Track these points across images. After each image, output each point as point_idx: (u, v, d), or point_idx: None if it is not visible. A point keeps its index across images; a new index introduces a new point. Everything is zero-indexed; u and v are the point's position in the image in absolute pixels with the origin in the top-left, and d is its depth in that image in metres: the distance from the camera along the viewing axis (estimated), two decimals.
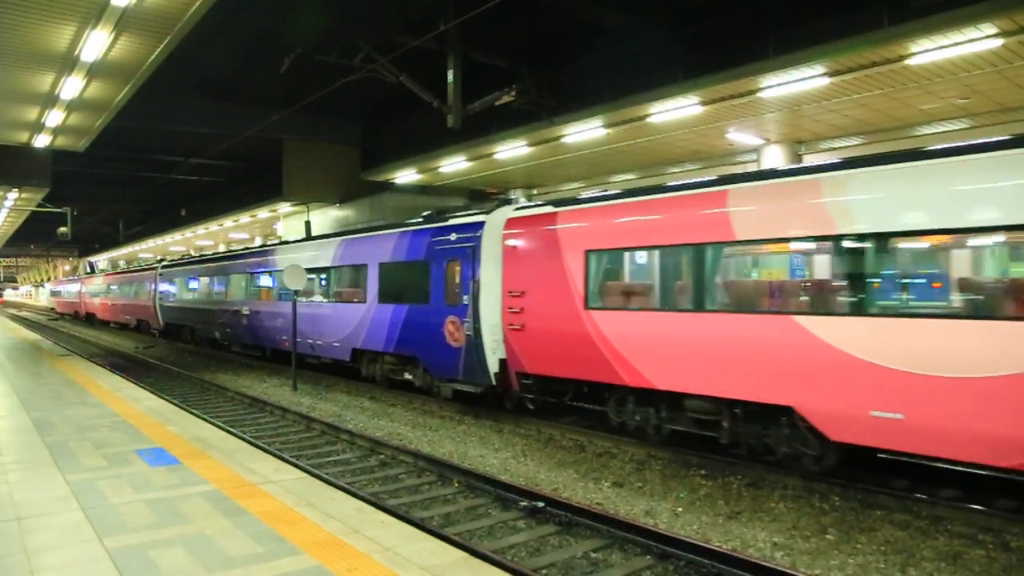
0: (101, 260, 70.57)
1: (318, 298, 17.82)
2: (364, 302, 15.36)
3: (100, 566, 4.58)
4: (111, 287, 40.24)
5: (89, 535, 5.13)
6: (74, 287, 54.56)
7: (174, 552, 4.81)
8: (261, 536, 5.11)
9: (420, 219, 14.55)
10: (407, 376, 14.79)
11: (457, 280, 12.52)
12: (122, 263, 64.73)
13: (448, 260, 12.76)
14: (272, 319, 19.66)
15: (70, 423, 9.34)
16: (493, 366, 11.90)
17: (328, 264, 17.18)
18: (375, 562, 4.66)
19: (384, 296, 14.73)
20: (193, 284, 27.16)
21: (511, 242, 11.79)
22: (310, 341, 17.59)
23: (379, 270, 14.95)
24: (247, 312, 21.34)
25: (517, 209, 12.22)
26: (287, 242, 20.75)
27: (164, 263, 31.44)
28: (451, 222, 13.19)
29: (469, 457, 10.17)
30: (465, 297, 12.23)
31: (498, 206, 12.73)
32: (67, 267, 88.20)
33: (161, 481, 6.53)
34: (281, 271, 18.51)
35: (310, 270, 17.70)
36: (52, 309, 66.44)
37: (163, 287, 30.42)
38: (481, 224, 12.28)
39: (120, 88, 14.32)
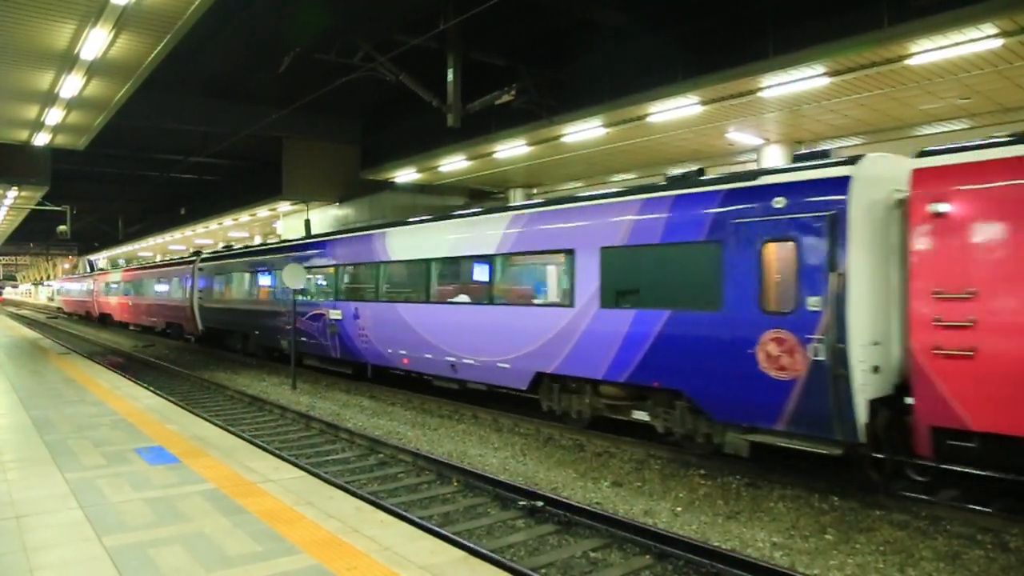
0: (101, 259, 70.66)
1: (463, 298, 13.20)
2: (567, 305, 10.84)
3: (99, 564, 4.59)
4: (133, 284, 35.11)
5: (88, 534, 5.13)
6: (85, 284, 48.70)
7: (173, 551, 4.81)
8: (260, 535, 5.11)
9: (676, 179, 9.91)
10: (639, 416, 10.41)
11: (791, 272, 8.22)
12: (121, 261, 64.65)
13: (765, 240, 8.42)
14: (384, 326, 14.97)
15: (69, 421, 9.33)
16: (861, 412, 7.65)
17: (491, 251, 12.36)
18: (374, 561, 4.65)
19: (610, 297, 10.28)
20: (249, 280, 22.12)
21: (937, 208, 7.25)
22: (450, 359, 13.08)
23: (601, 258, 10.40)
24: (338, 316, 16.64)
25: (924, 155, 7.53)
26: (407, 223, 15.38)
27: (204, 255, 27.17)
28: (767, 180, 8.60)
29: (468, 456, 10.17)
30: (812, 300, 7.95)
31: (822, 155, 8.51)
32: (67, 265, 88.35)
33: (160, 480, 6.53)
34: (395, 263, 15.01)
35: (450, 259, 13.56)
36: (59, 309, 65.01)
37: (204, 284, 25.79)
38: (845, 181, 7.84)
39: (120, 86, 14.33)
